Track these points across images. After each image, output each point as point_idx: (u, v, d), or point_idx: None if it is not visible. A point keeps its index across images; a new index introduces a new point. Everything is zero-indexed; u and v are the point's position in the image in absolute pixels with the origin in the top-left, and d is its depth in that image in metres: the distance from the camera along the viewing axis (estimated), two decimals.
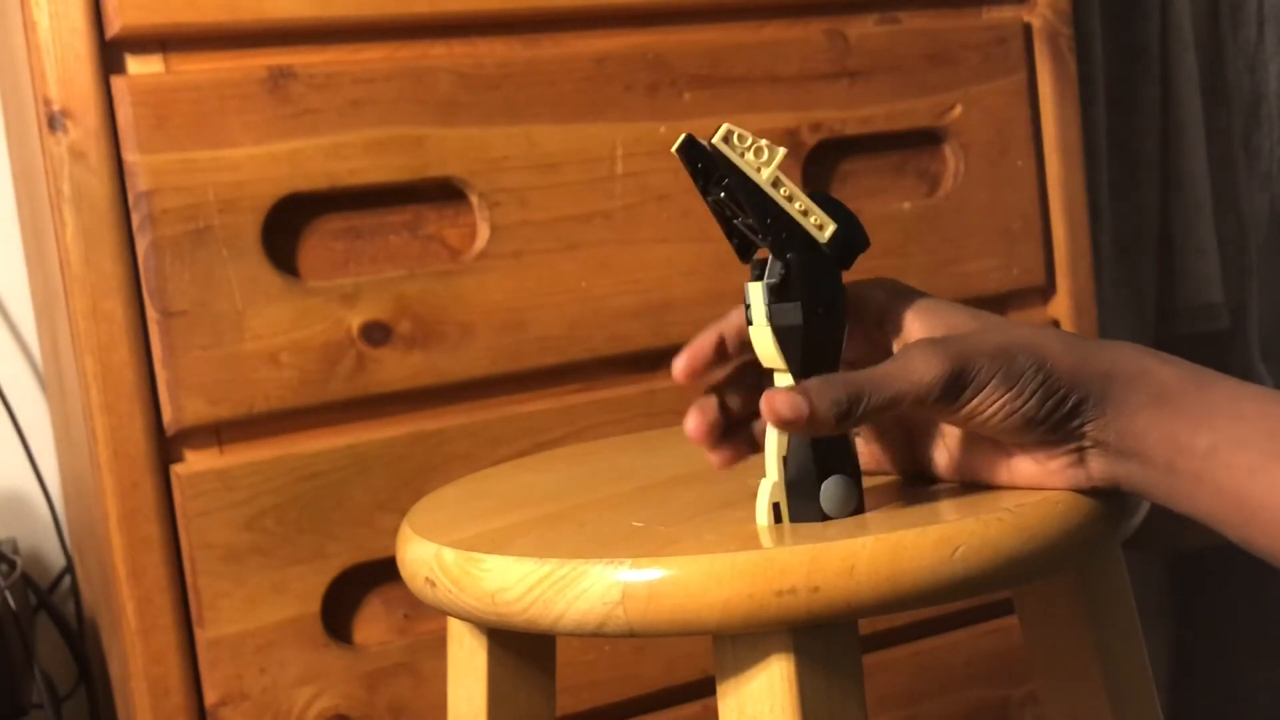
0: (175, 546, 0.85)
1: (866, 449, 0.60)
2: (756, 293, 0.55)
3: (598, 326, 0.94)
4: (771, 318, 0.54)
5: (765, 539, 0.52)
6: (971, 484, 0.57)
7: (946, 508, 0.54)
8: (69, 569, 1.15)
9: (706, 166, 0.54)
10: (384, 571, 0.90)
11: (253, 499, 0.86)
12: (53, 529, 1.15)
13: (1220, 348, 1.46)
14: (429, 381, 0.90)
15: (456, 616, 0.56)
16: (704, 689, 0.98)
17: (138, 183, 0.83)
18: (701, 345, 0.58)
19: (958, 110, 1.06)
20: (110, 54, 0.84)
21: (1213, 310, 1.41)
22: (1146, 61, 1.41)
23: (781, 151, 0.53)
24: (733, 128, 0.52)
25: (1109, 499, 0.55)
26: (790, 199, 0.53)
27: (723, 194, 0.53)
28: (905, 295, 0.57)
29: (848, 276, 0.55)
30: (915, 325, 0.56)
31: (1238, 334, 1.44)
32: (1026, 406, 0.51)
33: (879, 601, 0.49)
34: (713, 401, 0.58)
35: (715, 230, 0.58)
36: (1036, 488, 0.55)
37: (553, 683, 0.67)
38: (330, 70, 0.87)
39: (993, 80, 1.07)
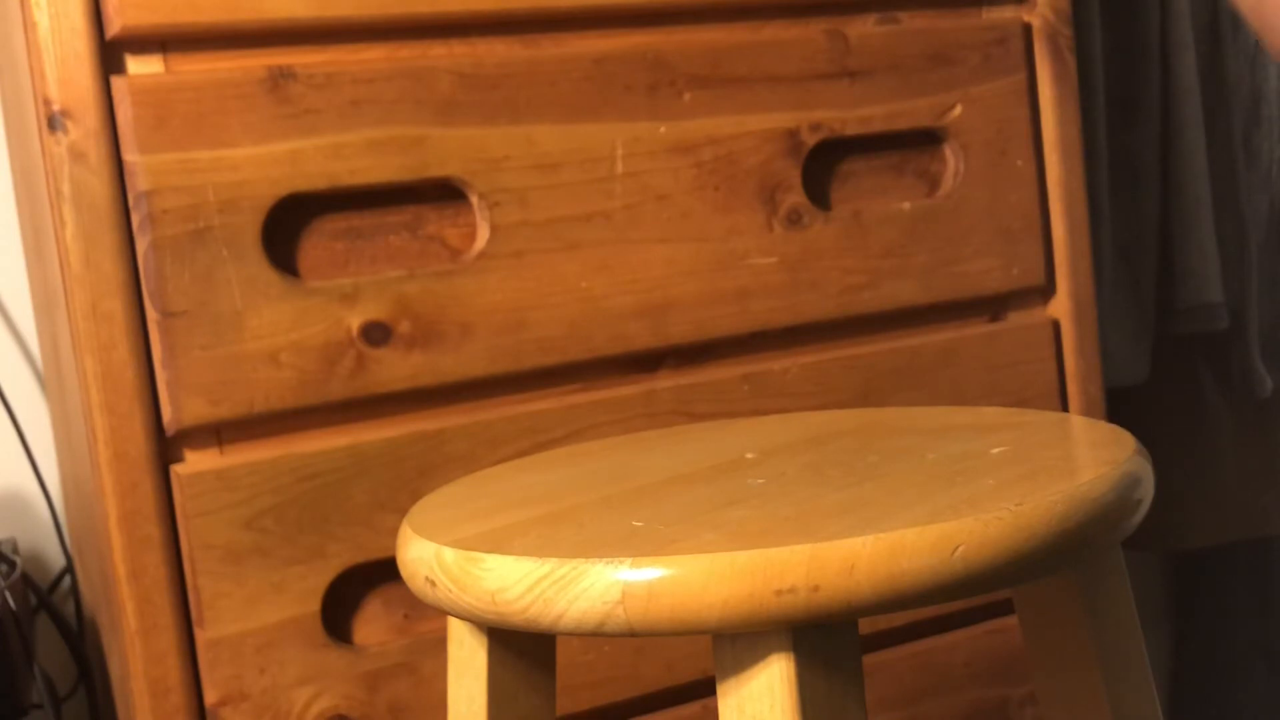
0: (175, 546, 0.85)
1: None
2: None
3: (598, 326, 0.95)
4: None
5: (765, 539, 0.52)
6: (971, 481, 0.57)
7: (946, 507, 0.54)
8: (69, 569, 1.15)
9: None
10: (384, 571, 0.90)
11: (253, 499, 0.86)
12: (53, 529, 1.15)
13: (1220, 348, 1.46)
14: (429, 381, 0.90)
15: (456, 616, 0.56)
16: (704, 689, 0.98)
17: (138, 183, 0.83)
18: None
19: (958, 110, 1.06)
20: (110, 54, 0.84)
21: (1213, 310, 1.41)
22: (1146, 61, 1.41)
23: None
24: None
25: (1109, 498, 0.55)
26: None
27: None
28: None
29: None
30: None
31: (1238, 334, 1.44)
32: None
33: (879, 601, 0.49)
34: None
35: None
36: None
37: (553, 683, 0.67)
38: (330, 70, 0.87)
39: (993, 80, 1.07)
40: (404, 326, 0.89)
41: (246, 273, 0.85)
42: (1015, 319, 1.10)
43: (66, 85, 0.82)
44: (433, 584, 0.56)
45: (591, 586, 0.50)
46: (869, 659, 1.02)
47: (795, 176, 1.00)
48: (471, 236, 0.93)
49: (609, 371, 0.96)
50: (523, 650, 0.65)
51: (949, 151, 1.07)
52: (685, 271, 0.97)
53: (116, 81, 0.83)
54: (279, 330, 0.86)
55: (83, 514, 1.01)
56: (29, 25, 0.82)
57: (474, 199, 0.92)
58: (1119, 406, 1.49)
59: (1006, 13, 1.09)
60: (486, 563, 0.53)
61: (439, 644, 0.91)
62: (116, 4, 0.82)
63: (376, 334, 0.89)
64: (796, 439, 0.72)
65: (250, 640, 0.86)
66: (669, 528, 0.55)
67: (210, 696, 0.85)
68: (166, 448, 0.86)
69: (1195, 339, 1.46)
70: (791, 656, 0.50)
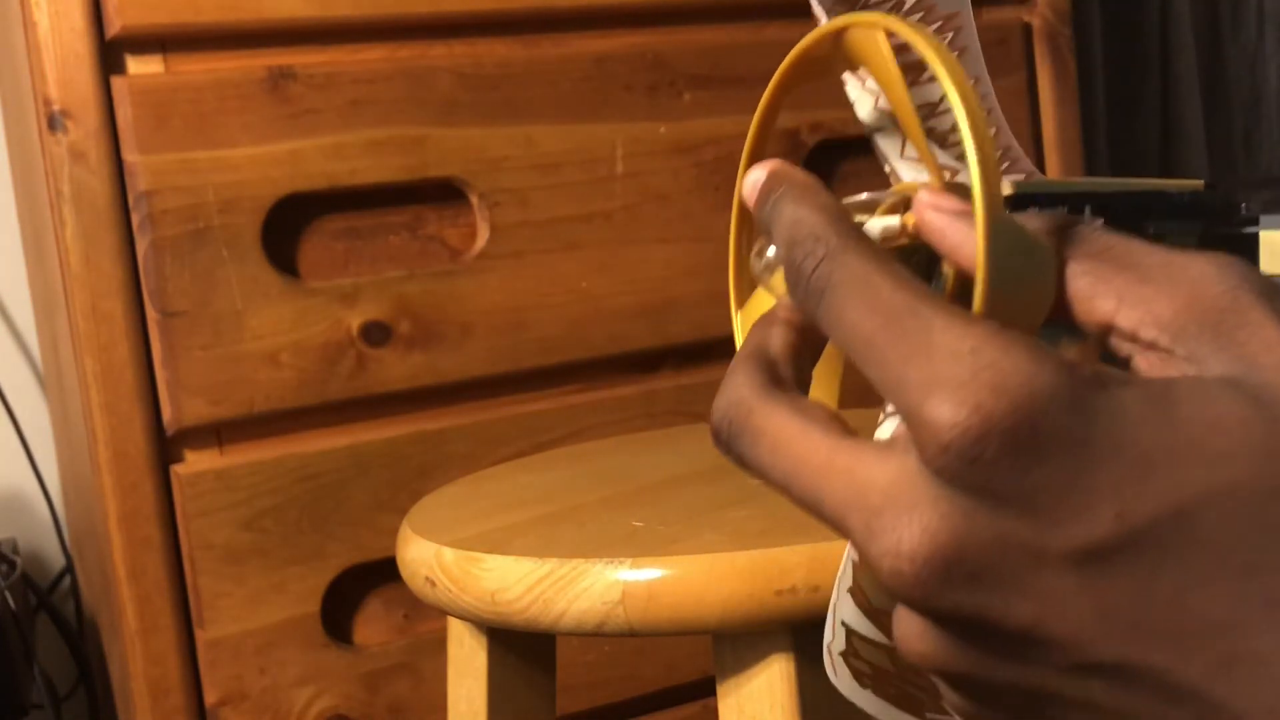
0: (175, 547, 0.85)
1: None
2: None
3: (598, 326, 0.94)
4: None
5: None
6: None
7: None
8: (69, 569, 1.15)
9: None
10: (384, 571, 0.90)
11: (253, 499, 0.86)
12: (53, 529, 1.15)
13: None
14: (429, 381, 0.90)
15: (456, 616, 0.56)
16: (704, 689, 0.98)
17: (138, 183, 0.83)
18: None
19: None
20: (110, 54, 0.84)
21: None
22: (1146, 61, 1.41)
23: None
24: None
25: None
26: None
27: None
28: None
29: None
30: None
31: None
32: None
33: None
34: None
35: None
36: None
37: (553, 683, 0.67)
38: (330, 70, 0.87)
39: (992, 80, 1.07)
40: (404, 326, 0.89)
41: (246, 273, 0.85)
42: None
43: (66, 85, 0.82)
44: (433, 584, 0.56)
45: (591, 586, 0.50)
46: None
47: None
48: (471, 236, 0.93)
49: (609, 371, 0.96)
50: (523, 650, 0.65)
51: None
52: (685, 271, 0.97)
53: (116, 81, 0.83)
54: (279, 330, 0.86)
55: (83, 514, 1.01)
56: (29, 25, 0.82)
57: (474, 199, 0.92)
58: None
59: (1006, 13, 1.09)
60: (486, 563, 0.53)
61: (439, 644, 0.91)
62: (116, 4, 0.82)
63: (376, 334, 0.89)
64: None
65: (250, 640, 0.86)
66: (669, 528, 0.55)
67: (210, 696, 0.85)
68: (166, 448, 0.86)
69: None
70: (791, 656, 0.50)
